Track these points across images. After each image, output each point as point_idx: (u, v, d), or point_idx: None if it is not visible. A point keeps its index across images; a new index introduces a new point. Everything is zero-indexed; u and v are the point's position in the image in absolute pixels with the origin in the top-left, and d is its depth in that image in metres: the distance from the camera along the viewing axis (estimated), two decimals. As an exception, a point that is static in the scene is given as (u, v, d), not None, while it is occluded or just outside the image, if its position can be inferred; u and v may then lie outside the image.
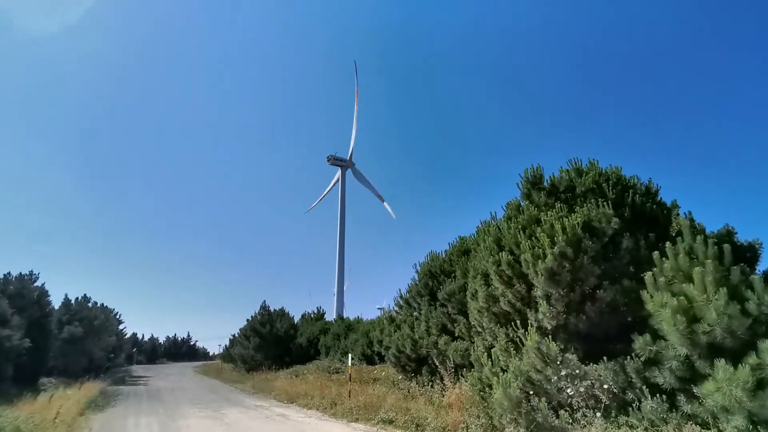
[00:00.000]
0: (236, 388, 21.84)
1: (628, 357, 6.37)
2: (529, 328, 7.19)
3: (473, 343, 10.84)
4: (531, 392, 7.00)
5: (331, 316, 39.84)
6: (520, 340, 7.53)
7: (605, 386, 6.44)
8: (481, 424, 7.28)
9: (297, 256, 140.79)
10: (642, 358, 6.25)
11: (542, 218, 7.45)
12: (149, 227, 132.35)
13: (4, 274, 22.17)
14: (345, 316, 37.04)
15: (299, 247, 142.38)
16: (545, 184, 8.70)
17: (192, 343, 75.60)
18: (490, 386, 8.61)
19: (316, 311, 35.42)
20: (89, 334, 28.14)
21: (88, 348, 28.08)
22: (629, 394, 6.46)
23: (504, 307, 8.45)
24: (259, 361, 27.43)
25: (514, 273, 7.78)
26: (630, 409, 6.16)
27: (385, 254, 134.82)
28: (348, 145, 61.94)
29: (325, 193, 62.96)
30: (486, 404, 7.58)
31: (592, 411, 6.43)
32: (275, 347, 28.04)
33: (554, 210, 7.52)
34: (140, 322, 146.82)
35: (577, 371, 6.56)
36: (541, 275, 6.99)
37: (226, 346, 41.96)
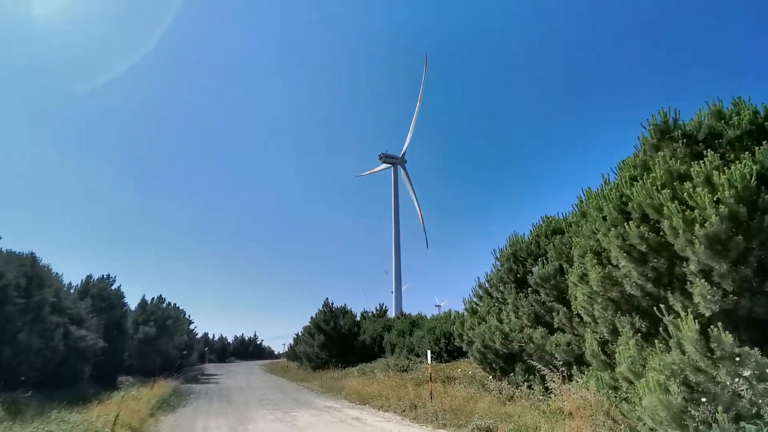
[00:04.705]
0: (304, 387, 21.31)
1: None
2: (684, 316, 5.47)
3: (577, 335, 9.18)
4: (690, 398, 5.30)
5: (390, 314, 38.82)
6: (666, 329, 5.82)
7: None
8: (620, 438, 5.67)
9: (353, 256, 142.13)
10: None
11: (692, 171, 5.68)
12: (217, 233, 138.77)
13: (86, 276, 23.08)
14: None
15: (355, 246, 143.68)
16: (677, 133, 6.86)
17: (258, 343, 78.05)
18: (616, 389, 6.99)
19: (378, 308, 34.57)
20: (162, 333, 29.02)
21: (162, 347, 28.96)
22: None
23: (630, 291, 6.76)
24: (324, 359, 26.93)
25: (649, 246, 6.07)
26: None
27: (441, 253, 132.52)
28: (399, 143, 60.60)
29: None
30: (623, 413, 5.96)
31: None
32: (339, 345, 27.43)
33: (705, 160, 5.73)
34: (211, 323, 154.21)
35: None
36: (699, 245, 5.26)
37: (290, 344, 42.21)
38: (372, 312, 33.79)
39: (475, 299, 12.43)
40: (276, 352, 72.52)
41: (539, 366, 8.87)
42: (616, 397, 6.75)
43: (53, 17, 72.44)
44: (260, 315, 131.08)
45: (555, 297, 9.71)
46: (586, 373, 7.86)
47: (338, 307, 29.60)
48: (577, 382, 7.90)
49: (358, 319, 30.77)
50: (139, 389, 15.73)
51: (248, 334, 77.51)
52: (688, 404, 5.21)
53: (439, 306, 55.80)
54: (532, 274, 10.31)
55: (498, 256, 12.04)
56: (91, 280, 23.10)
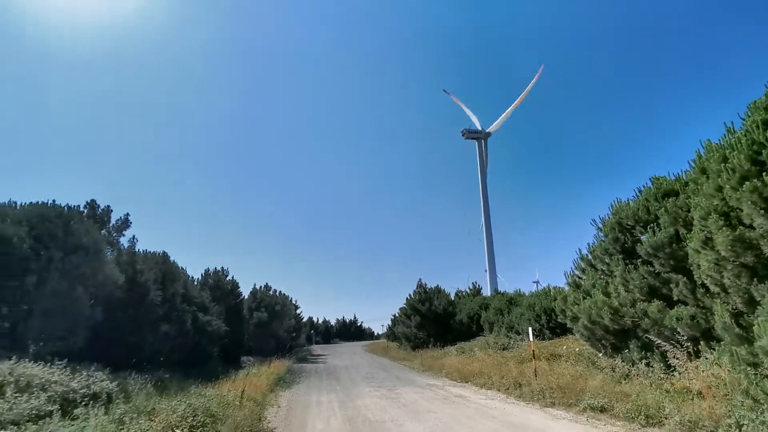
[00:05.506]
0: (405, 366, 21.92)
1: None
2: None
3: (702, 307, 8.19)
4: None
5: (484, 292, 38.07)
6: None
7: None
8: (764, 421, 4.97)
9: (440, 236, 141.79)
10: None
11: None
12: (318, 224, 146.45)
13: (205, 269, 26.02)
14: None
15: (443, 227, 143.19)
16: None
17: (359, 324, 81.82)
18: (756, 365, 6.14)
19: (471, 287, 34.16)
20: (273, 318, 31.76)
21: (274, 330, 31.73)
22: None
23: (770, 253, 5.85)
24: (422, 339, 27.39)
25: (794, 198, 5.16)
26: None
27: (531, 228, 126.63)
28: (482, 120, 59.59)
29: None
30: (765, 392, 5.21)
31: None
32: (435, 324, 27.69)
33: None
34: (315, 308, 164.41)
35: None
36: None
37: (388, 325, 43.56)
38: (466, 291, 33.52)
39: (577, 272, 11.67)
40: (375, 333, 75.35)
41: (659, 342, 8.10)
42: (756, 374, 5.93)
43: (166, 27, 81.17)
44: (359, 298, 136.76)
45: (671, 267, 8.76)
46: (716, 348, 7.02)
47: (432, 287, 29.76)
48: (706, 358, 7.08)
49: (452, 298, 30.75)
50: (258, 368, 17.45)
51: (348, 317, 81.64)
52: None
53: (537, 282, 53.62)
54: (642, 243, 9.40)
55: (600, 225, 11.14)
56: (209, 272, 26.00)
